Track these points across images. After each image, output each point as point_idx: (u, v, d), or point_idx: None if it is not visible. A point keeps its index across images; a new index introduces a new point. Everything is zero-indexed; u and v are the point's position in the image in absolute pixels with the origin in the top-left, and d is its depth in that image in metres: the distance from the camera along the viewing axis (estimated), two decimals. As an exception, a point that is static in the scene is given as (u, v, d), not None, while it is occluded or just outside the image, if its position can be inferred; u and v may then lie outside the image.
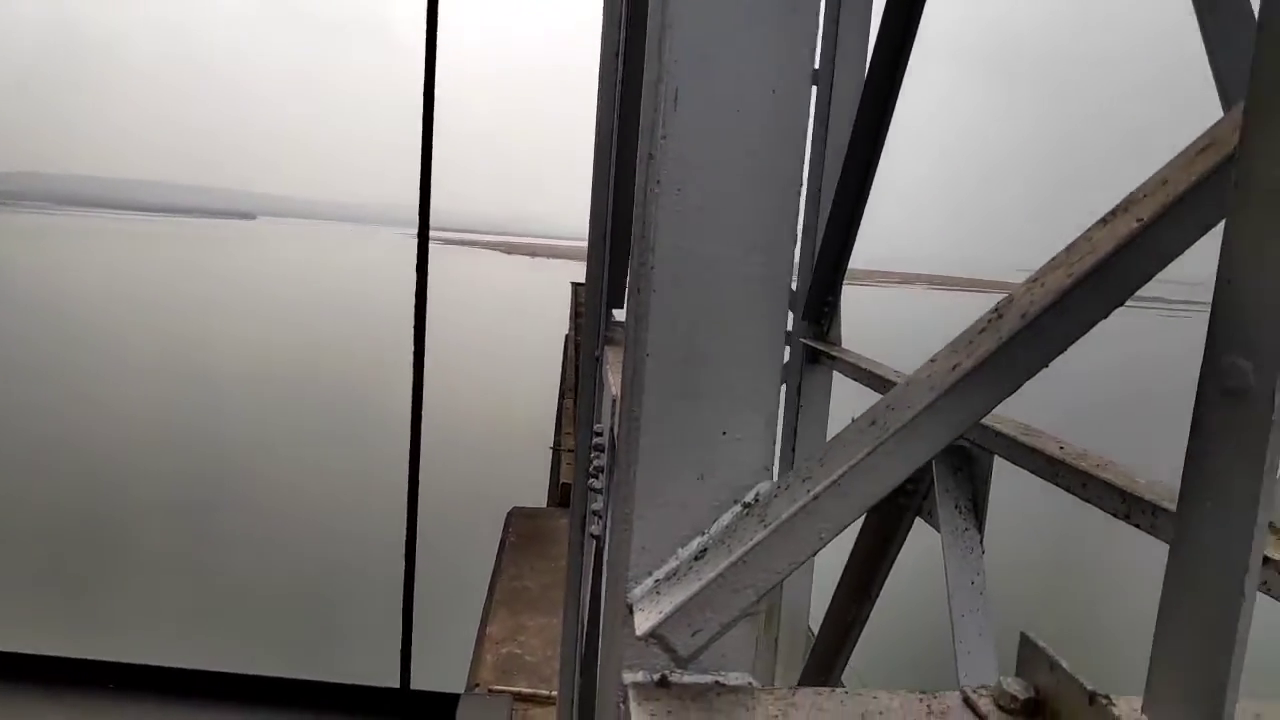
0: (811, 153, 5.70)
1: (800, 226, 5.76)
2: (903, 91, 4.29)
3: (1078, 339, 1.23)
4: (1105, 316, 1.23)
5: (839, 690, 1.28)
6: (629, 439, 1.29)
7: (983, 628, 3.50)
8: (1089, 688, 1.14)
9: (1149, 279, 1.20)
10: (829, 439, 1.38)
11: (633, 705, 1.22)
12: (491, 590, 14.75)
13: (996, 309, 1.25)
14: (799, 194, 1.23)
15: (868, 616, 4.76)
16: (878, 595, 4.62)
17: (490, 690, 10.30)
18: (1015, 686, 1.24)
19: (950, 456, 3.82)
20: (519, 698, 9.88)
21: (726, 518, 1.27)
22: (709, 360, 1.24)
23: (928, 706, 1.26)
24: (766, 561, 1.22)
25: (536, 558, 15.78)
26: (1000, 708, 1.24)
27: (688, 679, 1.27)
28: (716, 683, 1.28)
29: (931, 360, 1.24)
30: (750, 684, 1.28)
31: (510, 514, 18.60)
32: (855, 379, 4.84)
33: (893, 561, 4.46)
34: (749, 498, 1.27)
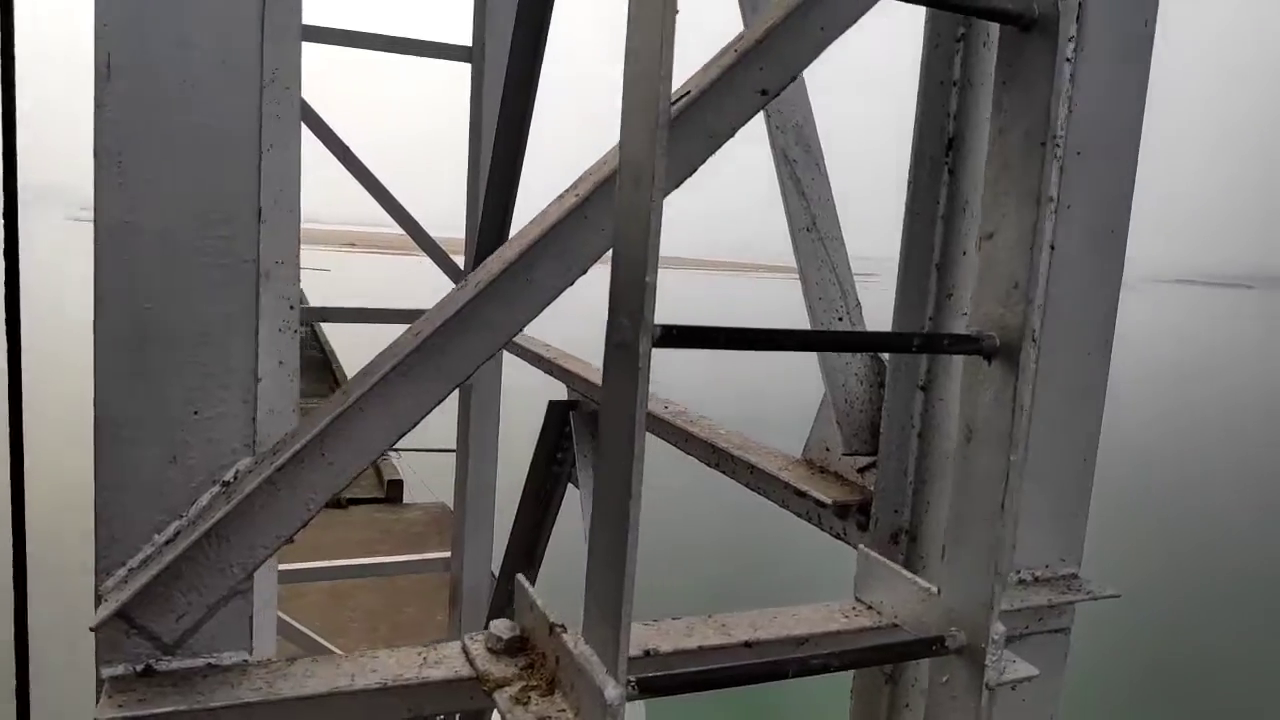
0: (470, 130, 5.72)
1: (465, 203, 5.78)
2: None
3: (543, 301, 1.33)
4: (568, 284, 1.35)
5: (338, 655, 1.31)
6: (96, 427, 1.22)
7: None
8: (550, 620, 1.25)
9: (598, 249, 1.33)
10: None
11: (103, 700, 1.17)
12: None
13: (465, 281, 1.32)
14: (258, 167, 1.22)
15: (534, 581, 4.90)
16: (541, 560, 4.79)
17: None
18: (501, 628, 1.33)
19: (588, 422, 4.03)
20: None
21: (205, 498, 1.25)
22: (173, 339, 1.20)
23: (424, 658, 1.32)
24: (249, 537, 1.22)
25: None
26: (489, 650, 1.32)
27: (175, 665, 1.24)
28: (209, 665, 1.26)
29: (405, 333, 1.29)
30: (245, 661, 1.28)
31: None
32: (522, 358, 4.94)
33: (551, 526, 4.64)
34: (228, 476, 1.26)
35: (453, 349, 1.25)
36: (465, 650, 1.34)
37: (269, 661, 1.28)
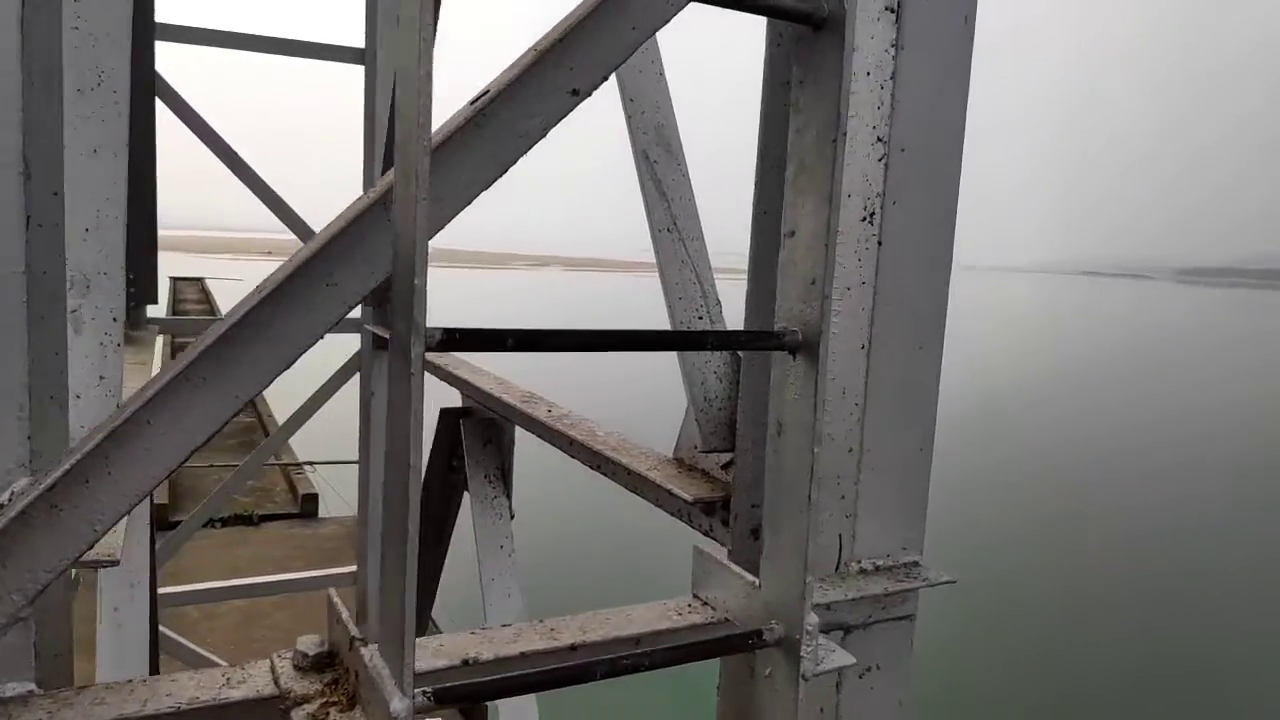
0: (364, 132, 5.61)
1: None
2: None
3: (346, 303, 1.30)
4: (371, 285, 1.32)
5: (134, 680, 1.26)
6: None
7: (511, 589, 3.71)
8: (351, 633, 1.22)
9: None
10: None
11: None
12: None
13: (260, 288, 1.28)
14: (20, 174, 1.17)
15: (436, 594, 4.84)
16: (441, 570, 4.73)
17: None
18: (309, 644, 1.29)
19: (480, 428, 3.98)
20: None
21: (-22, 522, 1.18)
22: (-68, 356, 1.14)
23: (227, 679, 1.28)
24: (26, 562, 1.16)
25: None
26: (296, 667, 1.29)
27: (-51, 701, 1.18)
28: (-10, 698, 1.20)
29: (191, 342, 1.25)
30: (30, 692, 1.22)
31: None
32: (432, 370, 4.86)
33: (451, 535, 4.57)
34: (3, 498, 1.20)
35: (245, 358, 1.21)
36: (273, 668, 1.30)
37: (58, 691, 1.23)
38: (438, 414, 4.20)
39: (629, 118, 2.51)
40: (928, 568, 1.88)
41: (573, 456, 3.03)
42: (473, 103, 1.31)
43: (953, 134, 1.80)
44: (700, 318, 2.37)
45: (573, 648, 1.42)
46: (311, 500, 13.75)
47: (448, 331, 1.06)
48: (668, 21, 1.48)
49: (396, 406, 1.08)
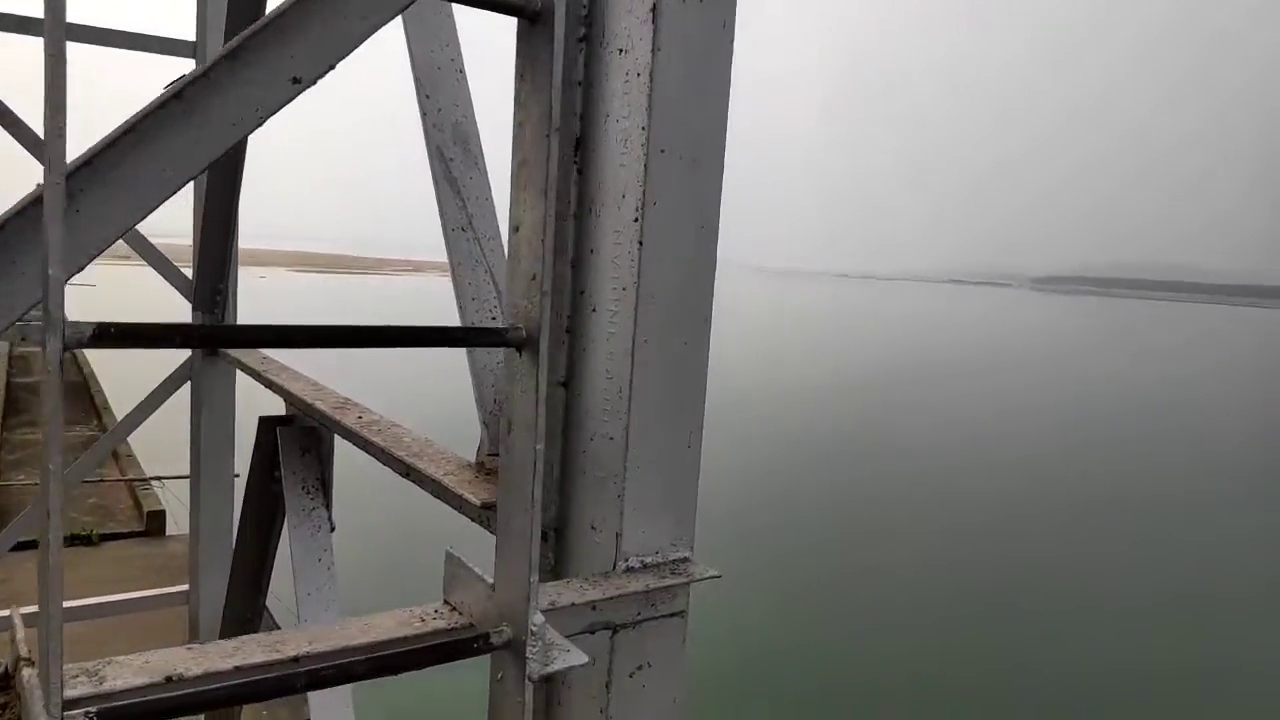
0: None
1: (191, 215, 5.39)
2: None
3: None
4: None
5: None
6: None
7: (330, 603, 3.58)
8: (19, 654, 1.13)
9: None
10: None
11: None
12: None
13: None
14: None
15: (263, 608, 4.63)
16: (267, 588, 4.52)
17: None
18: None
19: (298, 437, 3.83)
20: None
21: None
22: None
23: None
24: None
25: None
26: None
27: None
28: None
29: None
30: None
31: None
32: (239, 368, 4.66)
33: (275, 550, 4.38)
34: None
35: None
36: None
37: None
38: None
39: (424, 115, 2.46)
40: (697, 564, 1.90)
41: (384, 463, 2.95)
42: (172, 84, 1.24)
43: (714, 137, 1.83)
44: (494, 318, 2.34)
45: (295, 659, 1.36)
46: (158, 517, 12.99)
47: (101, 327, 0.99)
48: (398, 13, 1.44)
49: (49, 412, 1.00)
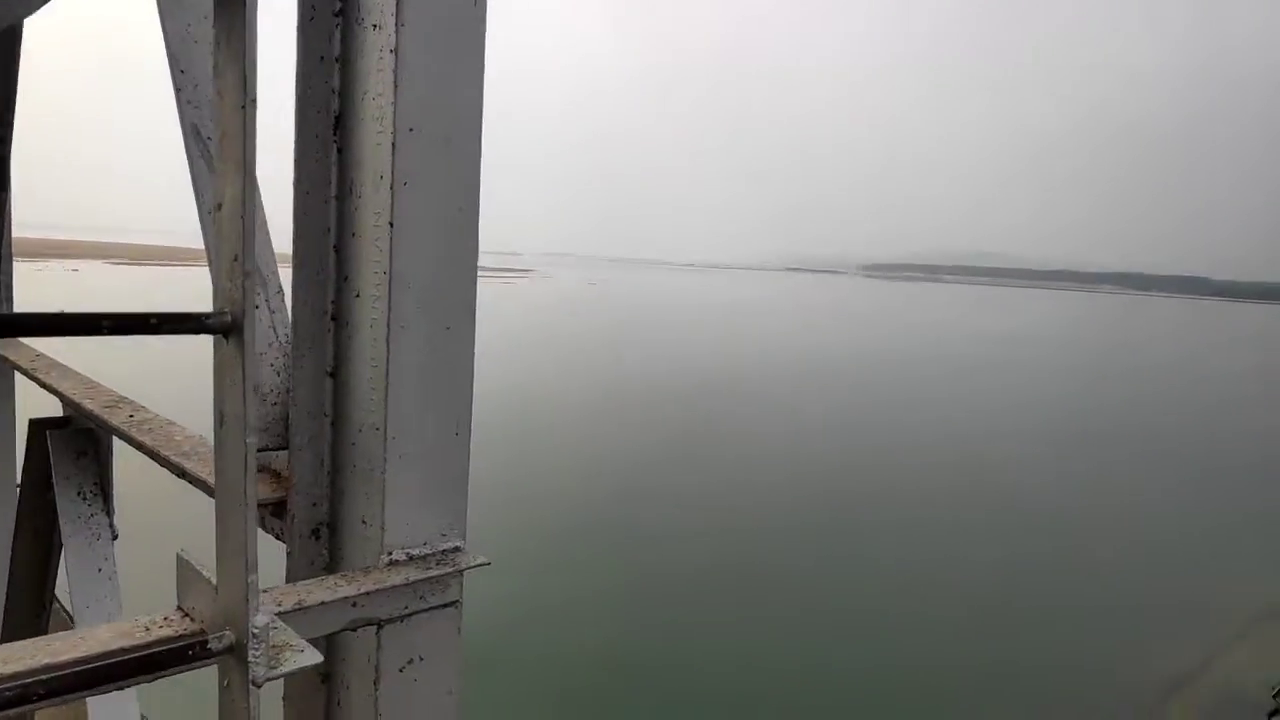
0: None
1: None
2: None
3: None
4: None
5: None
6: None
7: (111, 614, 3.33)
8: None
9: None
10: None
11: None
12: None
13: None
14: None
15: (46, 625, 4.27)
16: (51, 601, 4.18)
17: None
18: None
19: (73, 439, 3.54)
20: None
21: None
22: None
23: None
24: None
25: None
26: None
27: None
28: None
29: None
30: None
31: None
32: (13, 366, 4.26)
33: (57, 563, 4.05)
34: None
35: None
36: None
37: None
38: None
39: (178, 90, 2.30)
40: (467, 553, 1.87)
41: (159, 464, 2.76)
42: None
43: (468, 116, 1.79)
44: (256, 306, 2.21)
45: (-18, 682, 1.23)
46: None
47: None
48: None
49: None
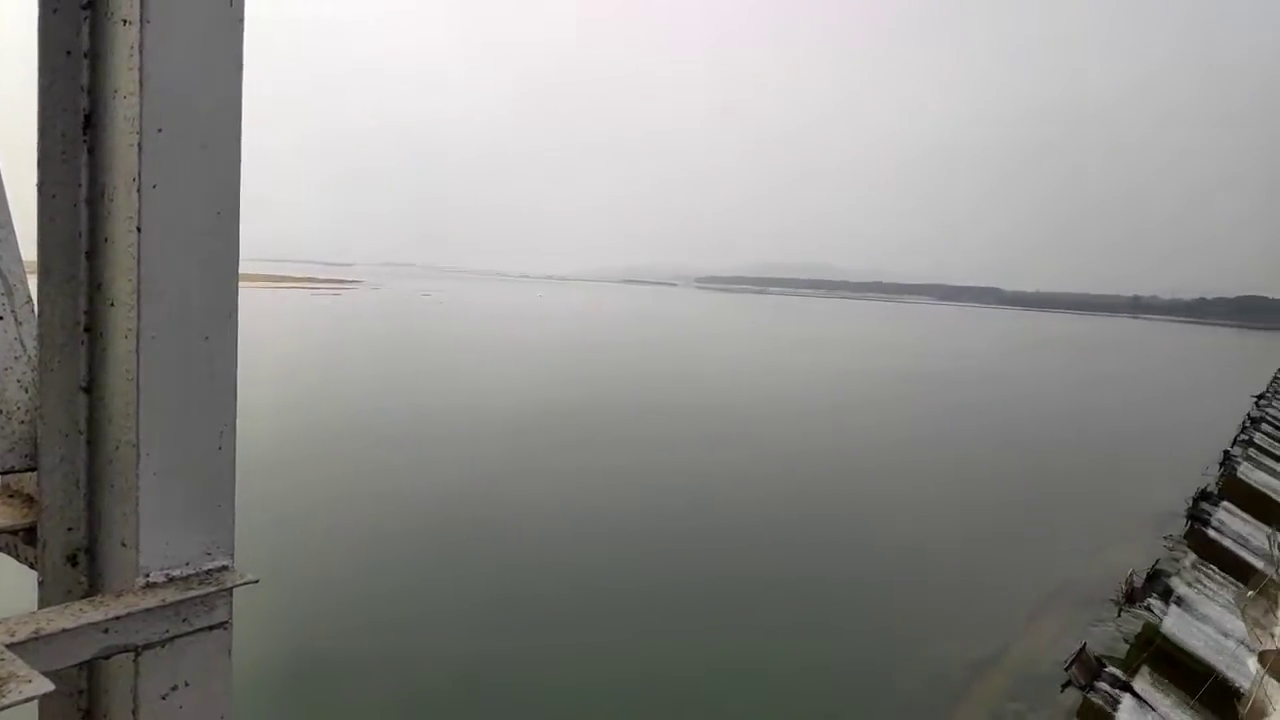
0: None
1: None
2: None
3: None
4: None
5: None
6: None
7: None
8: None
9: None
10: None
11: None
12: None
13: None
14: None
15: None
16: None
17: None
18: None
19: None
20: None
21: None
22: None
23: None
24: None
25: None
26: None
27: None
28: None
29: None
30: None
31: None
32: None
33: None
34: None
35: None
36: None
37: None
38: None
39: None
40: (234, 571, 1.80)
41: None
42: None
43: (225, 118, 1.73)
44: (1, 317, 2.05)
45: None
46: None
47: None
48: None
49: None
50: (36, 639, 1.47)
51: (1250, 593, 32.13)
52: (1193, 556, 33.20)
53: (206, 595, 1.72)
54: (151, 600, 1.63)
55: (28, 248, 2.19)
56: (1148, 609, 27.51)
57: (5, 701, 1.22)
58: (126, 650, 1.65)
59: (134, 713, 1.69)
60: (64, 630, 1.50)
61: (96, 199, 1.82)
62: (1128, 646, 24.95)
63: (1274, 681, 25.56)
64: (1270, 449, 57.83)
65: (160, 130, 1.63)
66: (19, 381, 1.99)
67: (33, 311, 2.11)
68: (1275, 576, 33.72)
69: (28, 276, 2.14)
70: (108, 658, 1.64)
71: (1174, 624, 27.45)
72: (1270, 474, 50.52)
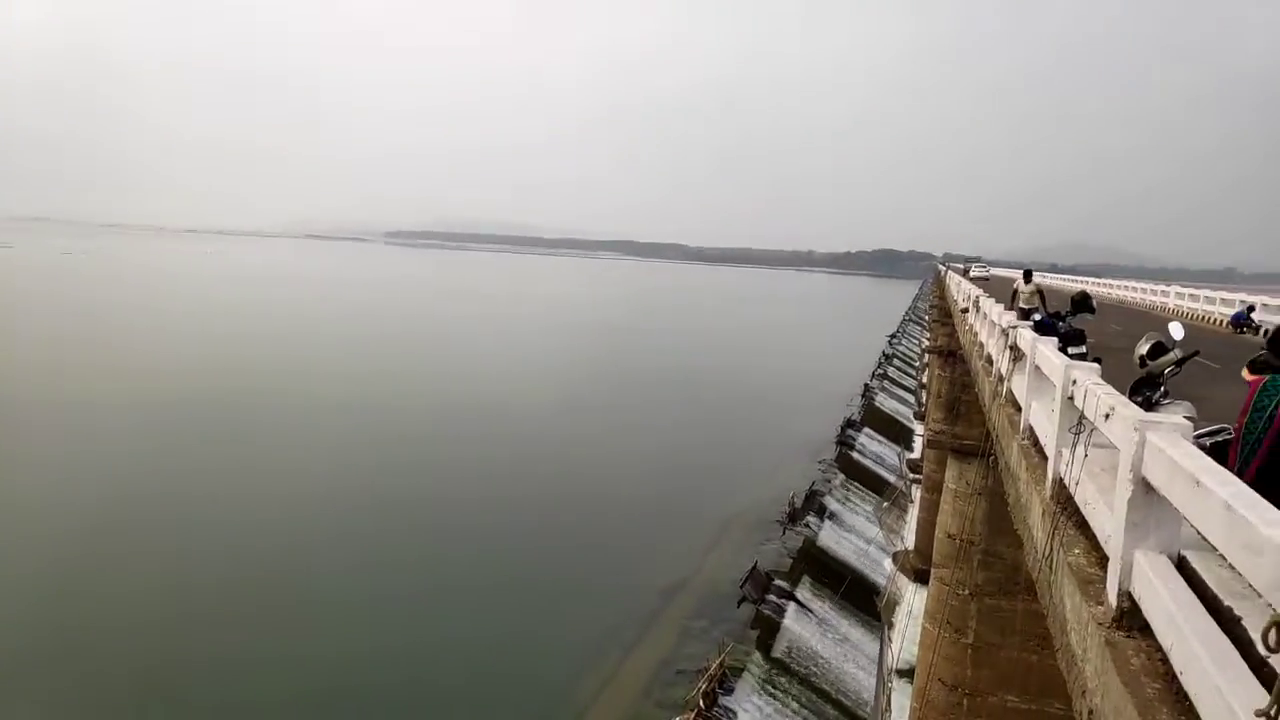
0: None
1: None
2: None
3: None
4: None
5: None
6: None
7: None
8: None
9: None
10: None
11: None
12: None
13: None
14: None
15: None
16: None
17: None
18: None
19: None
20: None
21: None
22: None
23: None
24: None
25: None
26: None
27: None
28: None
29: None
30: None
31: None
32: None
33: None
34: None
35: None
36: None
37: None
38: None
39: None
40: None
41: None
42: None
43: None
44: None
45: None
46: None
47: None
48: None
49: None
50: None
51: (885, 504, 37.74)
52: (841, 477, 38.28)
53: None
54: None
55: None
56: (807, 526, 31.36)
57: None
58: None
59: None
60: None
61: None
62: (791, 560, 28.29)
63: (903, 577, 30.35)
64: (899, 380, 67.87)
65: None
66: None
67: None
68: (903, 489, 39.85)
69: None
70: None
71: (827, 536, 31.59)
72: (899, 401, 59.32)
